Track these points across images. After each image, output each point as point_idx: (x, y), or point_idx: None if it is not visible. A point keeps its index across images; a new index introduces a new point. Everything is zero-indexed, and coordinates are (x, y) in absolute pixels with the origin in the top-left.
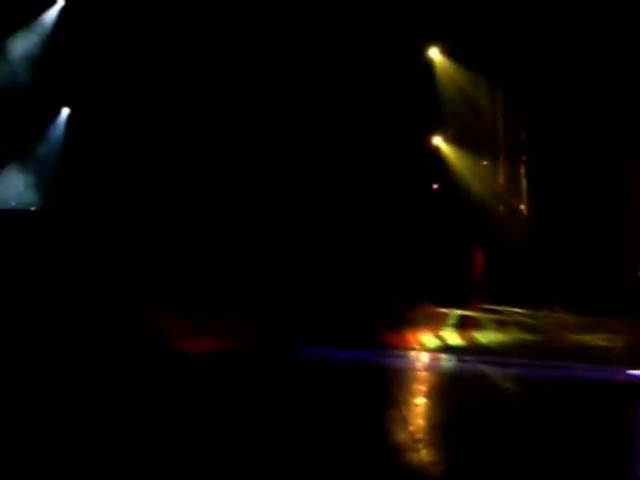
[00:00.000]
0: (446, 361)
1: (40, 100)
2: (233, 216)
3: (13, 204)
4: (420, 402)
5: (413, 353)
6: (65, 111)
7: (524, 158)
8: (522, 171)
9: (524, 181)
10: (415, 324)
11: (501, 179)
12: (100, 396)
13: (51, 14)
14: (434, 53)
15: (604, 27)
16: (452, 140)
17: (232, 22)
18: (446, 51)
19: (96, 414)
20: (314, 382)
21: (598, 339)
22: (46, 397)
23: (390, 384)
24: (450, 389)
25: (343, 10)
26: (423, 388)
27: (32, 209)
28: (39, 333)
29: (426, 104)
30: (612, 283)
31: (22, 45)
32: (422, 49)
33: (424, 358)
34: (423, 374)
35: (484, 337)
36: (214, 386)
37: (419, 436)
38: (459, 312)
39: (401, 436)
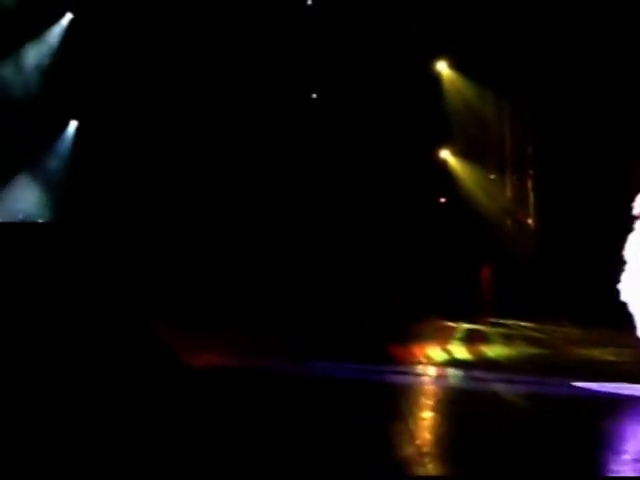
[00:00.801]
0: (453, 376)
1: (48, 112)
2: (236, 222)
3: (20, 217)
4: (427, 416)
5: (420, 367)
6: (73, 124)
7: (531, 172)
8: (529, 185)
9: (531, 195)
10: (422, 338)
11: (508, 193)
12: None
13: (60, 27)
14: (442, 67)
15: (610, 42)
16: (459, 153)
17: (236, 31)
18: (453, 65)
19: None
20: (320, 398)
21: (606, 354)
22: (46, 400)
23: (396, 398)
24: (456, 404)
25: (352, 21)
26: (429, 402)
27: (40, 222)
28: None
29: (434, 117)
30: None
31: (31, 57)
32: (430, 63)
33: (431, 372)
34: (430, 388)
35: (491, 351)
36: (216, 400)
37: (426, 450)
38: (467, 326)
39: (408, 450)
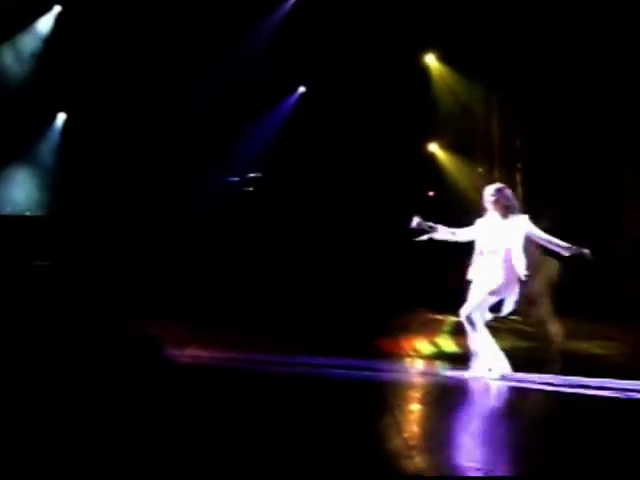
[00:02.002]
0: (441, 369)
1: (36, 105)
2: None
3: (8, 209)
4: (415, 409)
5: (408, 360)
6: (61, 116)
7: (519, 165)
8: (517, 178)
9: (520, 188)
10: (410, 330)
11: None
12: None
13: (47, 19)
14: (430, 59)
15: (602, 33)
16: (447, 147)
17: (228, 26)
18: (442, 57)
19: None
20: (307, 393)
21: (593, 347)
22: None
23: (384, 392)
24: (445, 398)
25: (339, 14)
26: (417, 396)
27: (27, 214)
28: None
29: (422, 110)
30: (610, 289)
31: (18, 49)
32: (418, 55)
33: (419, 365)
34: (418, 382)
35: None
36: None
37: (413, 443)
38: (454, 319)
39: (395, 443)
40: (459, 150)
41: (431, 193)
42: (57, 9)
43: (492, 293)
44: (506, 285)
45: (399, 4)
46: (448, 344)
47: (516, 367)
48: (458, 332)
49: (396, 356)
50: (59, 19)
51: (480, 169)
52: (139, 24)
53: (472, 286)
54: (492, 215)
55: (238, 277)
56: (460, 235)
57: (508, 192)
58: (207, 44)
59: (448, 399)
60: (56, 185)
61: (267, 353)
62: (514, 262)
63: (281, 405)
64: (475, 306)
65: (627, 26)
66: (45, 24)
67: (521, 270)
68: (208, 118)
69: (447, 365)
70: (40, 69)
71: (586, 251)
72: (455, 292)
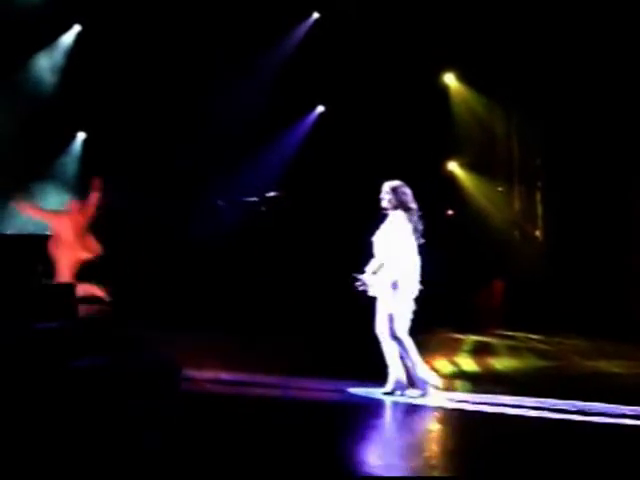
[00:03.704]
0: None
1: (55, 124)
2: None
3: (32, 229)
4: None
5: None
6: (81, 135)
7: (539, 184)
8: (537, 197)
9: (539, 206)
10: (430, 349)
11: (516, 205)
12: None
13: (67, 38)
14: (449, 79)
15: (620, 53)
16: (467, 166)
17: (249, 44)
18: (462, 77)
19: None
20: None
21: (612, 366)
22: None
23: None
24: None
25: (359, 33)
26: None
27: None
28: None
29: (441, 129)
30: (631, 309)
31: (38, 68)
32: (437, 74)
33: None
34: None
35: (499, 363)
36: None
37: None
38: (474, 337)
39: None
40: (479, 169)
41: (450, 212)
42: (77, 28)
43: (393, 301)
44: (386, 293)
45: (419, 24)
46: (468, 363)
47: (529, 387)
48: (478, 351)
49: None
50: (79, 38)
51: (500, 188)
52: (157, 42)
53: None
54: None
55: (252, 295)
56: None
57: (405, 191)
58: (227, 61)
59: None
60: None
61: (282, 376)
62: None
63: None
64: (395, 321)
65: None
66: (65, 42)
67: (391, 275)
68: (226, 136)
69: (466, 385)
70: (60, 87)
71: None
72: (495, 308)
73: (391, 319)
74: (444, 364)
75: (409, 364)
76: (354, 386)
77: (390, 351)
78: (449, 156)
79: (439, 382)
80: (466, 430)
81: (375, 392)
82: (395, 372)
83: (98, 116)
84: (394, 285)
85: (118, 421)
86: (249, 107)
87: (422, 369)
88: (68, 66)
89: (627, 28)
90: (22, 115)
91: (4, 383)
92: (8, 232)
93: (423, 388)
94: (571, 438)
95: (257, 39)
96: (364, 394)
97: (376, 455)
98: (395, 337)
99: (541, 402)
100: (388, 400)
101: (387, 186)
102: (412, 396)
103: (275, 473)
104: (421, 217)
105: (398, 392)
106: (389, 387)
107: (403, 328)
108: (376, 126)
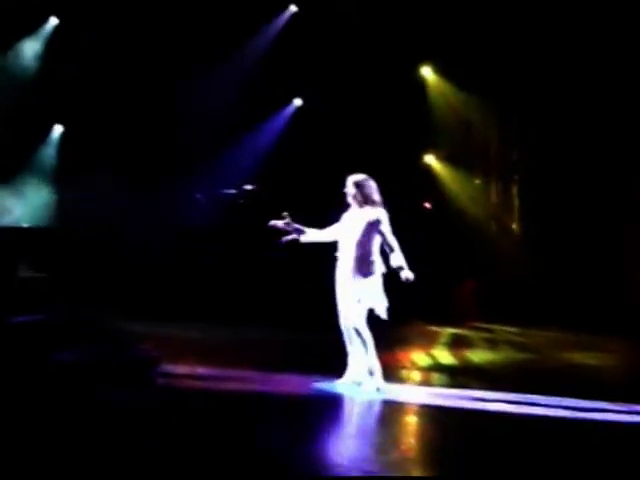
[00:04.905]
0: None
1: (32, 116)
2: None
3: (6, 220)
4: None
5: (404, 372)
6: (58, 128)
7: (516, 177)
8: (514, 190)
9: (516, 200)
10: (406, 342)
11: (493, 198)
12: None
13: (46, 30)
14: (427, 72)
15: (597, 46)
16: (444, 159)
17: (225, 37)
18: (439, 70)
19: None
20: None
21: (588, 358)
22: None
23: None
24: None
25: (335, 26)
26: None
27: (24, 226)
28: None
29: (418, 122)
30: (610, 301)
31: (17, 61)
32: (415, 67)
33: (415, 377)
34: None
35: (476, 356)
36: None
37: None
38: (451, 330)
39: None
40: (456, 162)
41: (427, 205)
42: (54, 21)
43: (353, 296)
44: (361, 286)
45: (395, 17)
46: (445, 356)
47: (507, 380)
48: (454, 344)
49: (392, 367)
50: (55, 31)
51: (477, 181)
52: (131, 35)
53: (340, 289)
54: (353, 209)
55: (228, 287)
56: (327, 235)
57: (369, 184)
58: (205, 54)
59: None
60: (53, 196)
61: (257, 370)
62: (360, 257)
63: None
64: (356, 313)
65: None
66: (41, 35)
67: (368, 266)
68: (203, 129)
69: (443, 378)
70: (36, 80)
71: (409, 276)
72: (467, 298)
73: (352, 309)
74: (421, 357)
75: (365, 356)
76: (324, 380)
77: (351, 341)
78: (426, 149)
79: (382, 385)
80: (442, 424)
81: (344, 385)
82: (354, 363)
83: (75, 109)
84: (365, 273)
85: (96, 414)
86: (227, 100)
87: (375, 366)
88: (46, 58)
89: (604, 18)
90: (2, 104)
91: None
92: None
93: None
94: (547, 433)
95: (236, 32)
96: (333, 388)
97: (352, 449)
98: (355, 328)
99: (517, 397)
100: (359, 393)
101: (350, 181)
102: (369, 389)
103: (247, 468)
104: (387, 209)
105: (356, 382)
106: (347, 378)
107: (363, 319)
108: (353, 119)
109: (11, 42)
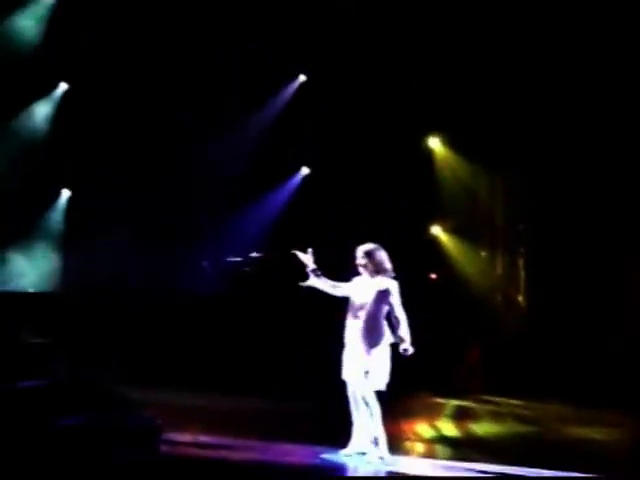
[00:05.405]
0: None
1: (40, 181)
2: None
3: (12, 285)
4: None
5: (408, 444)
6: (65, 193)
7: (522, 250)
8: (520, 263)
9: (522, 272)
10: (411, 413)
11: (499, 269)
12: None
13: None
14: (434, 143)
15: (608, 116)
16: (451, 230)
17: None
18: (446, 141)
19: None
20: None
21: (592, 433)
22: None
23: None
24: None
25: (343, 94)
26: None
27: (30, 291)
28: None
29: (425, 193)
30: (613, 375)
31: (28, 123)
32: (422, 138)
33: (419, 449)
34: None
35: (480, 428)
36: None
37: None
38: (455, 402)
39: None
40: (462, 233)
41: (433, 276)
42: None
43: (361, 367)
44: (369, 356)
45: (404, 88)
46: (449, 428)
47: (510, 453)
48: (459, 416)
49: (396, 438)
50: (64, 97)
51: (483, 253)
52: (141, 100)
53: (347, 357)
54: (364, 277)
55: (236, 356)
56: (338, 288)
57: (380, 254)
58: (212, 122)
59: None
60: (61, 262)
61: (261, 439)
62: (368, 326)
63: None
64: (365, 383)
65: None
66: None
67: (376, 336)
68: (211, 196)
69: (447, 451)
70: (43, 146)
71: (409, 350)
72: (472, 370)
73: (361, 379)
74: (425, 428)
75: (371, 425)
76: (328, 450)
77: (357, 410)
78: (433, 220)
79: (387, 456)
80: None
81: (348, 455)
82: (359, 433)
83: (84, 172)
84: (373, 343)
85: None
86: (234, 167)
87: (381, 436)
88: (55, 121)
89: (611, 89)
90: (16, 165)
91: None
92: None
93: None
94: None
95: (243, 101)
96: (338, 458)
97: None
98: (363, 397)
99: (519, 470)
100: (363, 463)
101: (361, 251)
102: (373, 459)
103: None
104: (396, 278)
105: (361, 452)
106: (351, 448)
107: (371, 389)
108: (360, 188)
109: (23, 105)
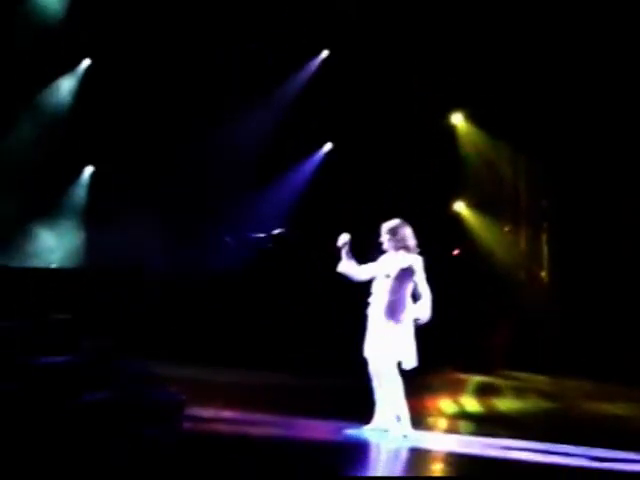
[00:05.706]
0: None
1: (63, 158)
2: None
3: (35, 262)
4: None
5: (431, 419)
6: (88, 169)
7: (545, 225)
8: (543, 238)
9: (545, 248)
10: (434, 389)
11: (522, 245)
12: None
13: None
14: (457, 119)
15: (628, 94)
16: (474, 206)
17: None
18: (469, 117)
19: None
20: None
21: (616, 408)
22: None
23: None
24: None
25: (366, 72)
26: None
27: (55, 267)
28: None
29: (448, 169)
30: (636, 351)
31: (47, 103)
32: (445, 114)
33: (442, 425)
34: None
35: (503, 404)
36: None
37: None
38: (479, 378)
39: None
40: (485, 209)
41: (456, 252)
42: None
43: (384, 344)
44: (393, 333)
45: (428, 63)
46: (472, 404)
47: (534, 429)
48: (482, 392)
49: (420, 414)
50: (86, 74)
51: (506, 228)
52: (163, 77)
53: (370, 334)
54: (389, 254)
55: (258, 331)
56: (364, 271)
57: (404, 230)
58: (236, 97)
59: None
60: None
61: (284, 415)
62: (391, 303)
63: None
64: (388, 359)
65: None
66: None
67: (399, 313)
68: (234, 172)
69: (470, 426)
70: (66, 123)
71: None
72: (500, 347)
73: (384, 356)
74: (448, 404)
75: (394, 402)
76: (352, 426)
77: (380, 386)
78: (456, 196)
79: (410, 432)
80: (468, 472)
81: (371, 431)
82: (382, 409)
83: (106, 149)
84: (396, 320)
85: (122, 457)
86: (258, 143)
87: (403, 412)
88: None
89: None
90: (40, 141)
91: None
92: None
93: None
94: None
95: (267, 76)
96: (361, 434)
97: None
98: (386, 374)
99: (543, 445)
100: (386, 440)
101: (385, 228)
102: (396, 435)
103: None
104: (421, 254)
105: (384, 429)
106: (375, 424)
107: (394, 366)
108: (384, 165)
109: (49, 80)
